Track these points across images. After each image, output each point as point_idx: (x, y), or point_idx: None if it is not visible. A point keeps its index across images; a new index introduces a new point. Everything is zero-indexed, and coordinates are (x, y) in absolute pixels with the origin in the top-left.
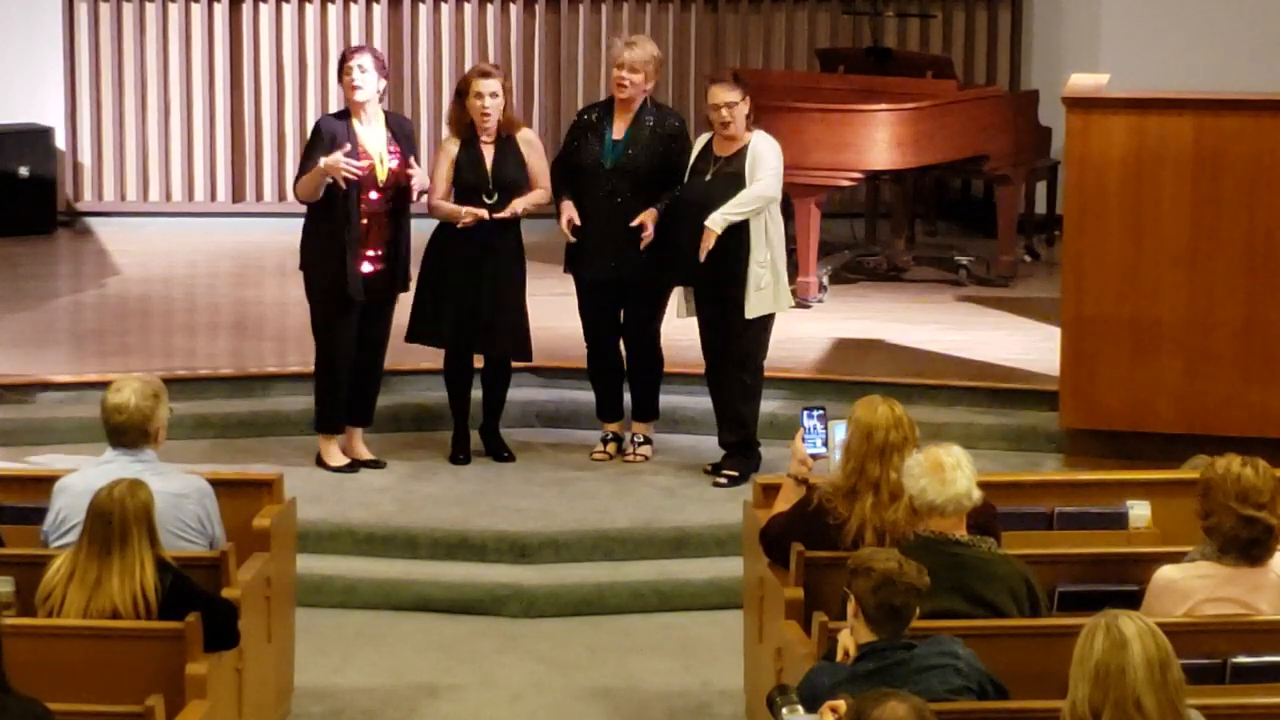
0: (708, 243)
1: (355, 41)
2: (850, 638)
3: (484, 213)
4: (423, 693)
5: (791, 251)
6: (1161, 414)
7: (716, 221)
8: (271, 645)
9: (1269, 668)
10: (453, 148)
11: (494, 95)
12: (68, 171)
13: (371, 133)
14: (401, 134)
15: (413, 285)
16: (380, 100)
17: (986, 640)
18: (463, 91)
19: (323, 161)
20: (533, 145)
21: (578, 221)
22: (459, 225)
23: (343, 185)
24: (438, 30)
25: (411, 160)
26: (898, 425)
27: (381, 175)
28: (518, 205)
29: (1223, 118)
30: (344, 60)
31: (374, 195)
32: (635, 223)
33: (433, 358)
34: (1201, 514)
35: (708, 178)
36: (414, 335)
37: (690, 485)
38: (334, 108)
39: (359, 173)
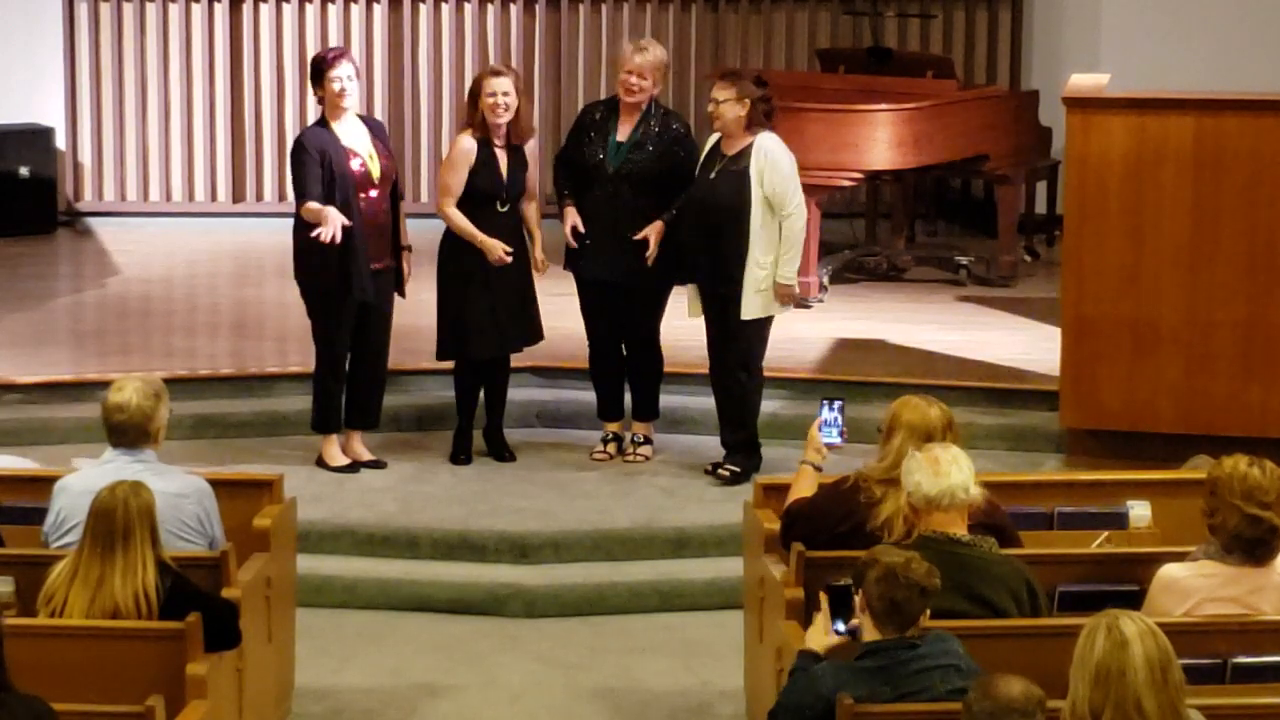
0: (791, 299)
1: (356, 42)
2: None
3: (508, 259)
4: (423, 693)
5: None
6: (1161, 414)
7: (788, 276)
8: (272, 645)
9: (1269, 668)
10: (471, 153)
11: (506, 94)
12: (68, 171)
13: (353, 133)
14: (380, 133)
15: (408, 290)
16: None
17: (986, 640)
18: (475, 93)
19: (324, 230)
20: (534, 156)
21: (581, 228)
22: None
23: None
24: (438, 30)
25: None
26: (940, 414)
27: (375, 172)
28: (538, 257)
29: (1223, 118)
30: (325, 67)
31: (373, 194)
32: (639, 236)
33: (434, 358)
34: (1207, 512)
35: (713, 176)
36: (448, 352)
37: (690, 485)
38: None
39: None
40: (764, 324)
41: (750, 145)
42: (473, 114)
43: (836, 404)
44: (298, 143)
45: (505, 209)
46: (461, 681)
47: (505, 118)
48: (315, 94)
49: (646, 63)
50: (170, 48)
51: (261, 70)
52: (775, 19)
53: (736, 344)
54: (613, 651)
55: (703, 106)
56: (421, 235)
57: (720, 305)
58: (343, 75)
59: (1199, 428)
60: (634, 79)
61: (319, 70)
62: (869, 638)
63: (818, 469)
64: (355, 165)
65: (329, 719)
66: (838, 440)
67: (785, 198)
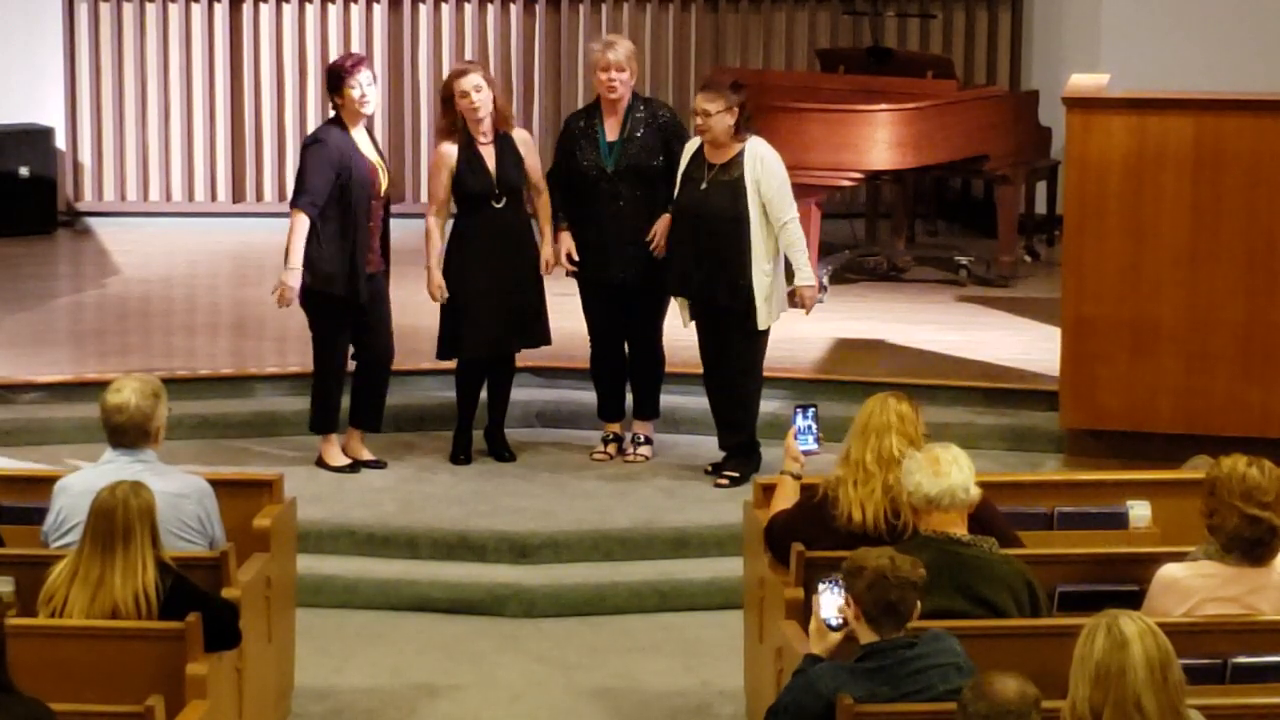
0: (811, 302)
1: (356, 42)
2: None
3: (442, 299)
4: (423, 693)
5: None
6: (1161, 414)
7: (810, 278)
8: (272, 645)
9: (1269, 668)
10: (450, 156)
11: (478, 89)
12: (68, 171)
13: (365, 140)
14: (375, 140)
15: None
16: None
17: (986, 640)
18: (448, 97)
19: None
20: (529, 146)
21: (575, 255)
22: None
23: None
24: (438, 30)
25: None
26: (883, 410)
27: (383, 179)
28: (548, 256)
29: (1223, 118)
30: (346, 73)
31: (374, 202)
32: (649, 236)
33: (434, 358)
34: (1206, 512)
35: (703, 186)
36: (449, 351)
37: (690, 485)
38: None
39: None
40: (768, 329)
41: (741, 152)
42: (448, 118)
43: (810, 411)
44: (318, 140)
45: (501, 204)
46: (461, 681)
47: (485, 113)
48: (333, 101)
49: (621, 57)
50: (170, 48)
51: (261, 70)
52: (775, 19)
53: (744, 353)
54: (613, 651)
55: None
56: (422, 236)
57: (721, 316)
58: (364, 83)
59: (1199, 428)
60: (614, 74)
61: (338, 77)
62: (865, 639)
63: (797, 478)
64: (368, 173)
65: (329, 719)
66: (814, 446)
67: (782, 206)
